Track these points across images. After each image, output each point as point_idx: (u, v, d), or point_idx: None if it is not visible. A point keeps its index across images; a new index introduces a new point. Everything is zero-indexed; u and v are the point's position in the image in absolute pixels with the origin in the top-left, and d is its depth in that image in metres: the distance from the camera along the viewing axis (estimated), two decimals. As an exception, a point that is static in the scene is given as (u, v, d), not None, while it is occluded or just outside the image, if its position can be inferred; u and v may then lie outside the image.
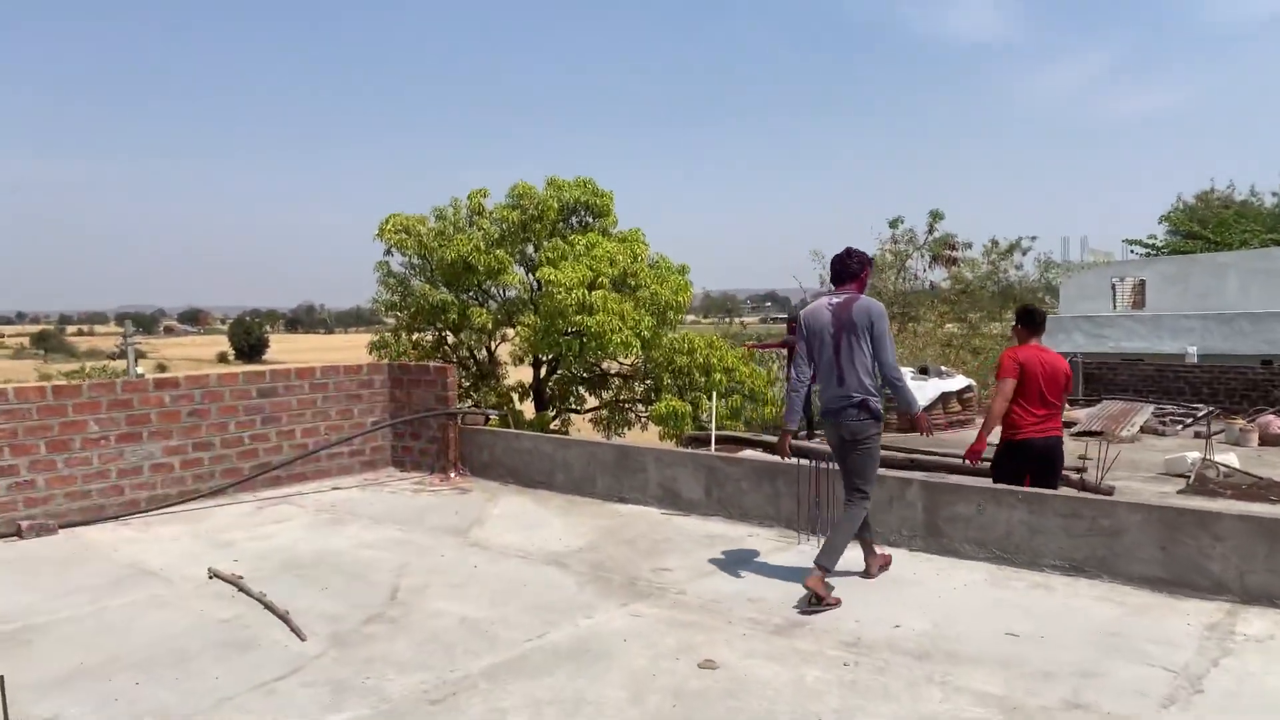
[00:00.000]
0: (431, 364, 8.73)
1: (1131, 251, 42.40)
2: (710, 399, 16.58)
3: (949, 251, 27.06)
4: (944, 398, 15.45)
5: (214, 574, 5.68)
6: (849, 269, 5.41)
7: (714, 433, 12.04)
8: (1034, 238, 33.09)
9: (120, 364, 34.10)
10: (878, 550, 5.70)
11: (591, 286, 16.27)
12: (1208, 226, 42.87)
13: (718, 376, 16.87)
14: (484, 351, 19.11)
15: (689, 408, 16.67)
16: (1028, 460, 6.23)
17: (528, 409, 18.52)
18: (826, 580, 5.03)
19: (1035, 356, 6.30)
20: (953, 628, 4.68)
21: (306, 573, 5.78)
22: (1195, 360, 25.25)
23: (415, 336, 18.82)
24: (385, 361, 12.28)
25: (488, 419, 9.10)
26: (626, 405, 18.69)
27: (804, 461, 6.53)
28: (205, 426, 7.82)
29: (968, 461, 6.66)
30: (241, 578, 5.56)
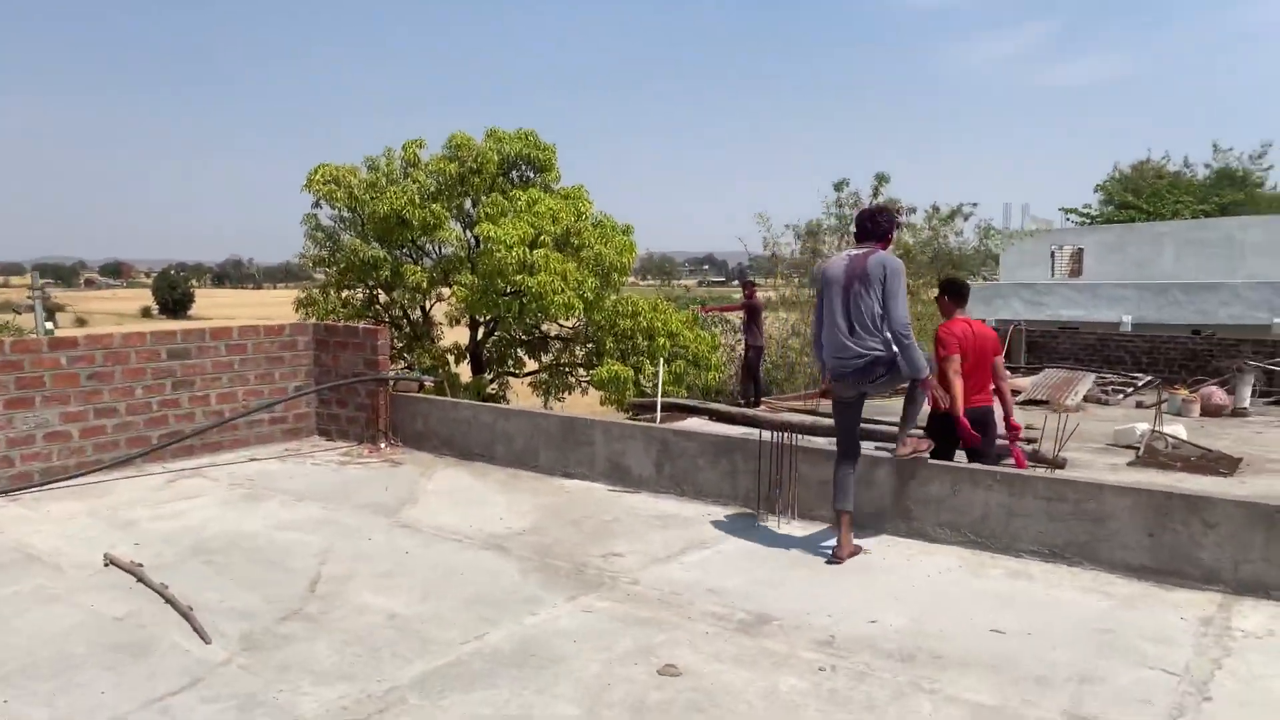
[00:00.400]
0: (361, 325, 8.09)
1: (1068, 220, 42.91)
2: (656, 364, 16.14)
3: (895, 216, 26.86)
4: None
5: (110, 561, 5.05)
6: (878, 226, 5.31)
7: (659, 400, 11.58)
8: (975, 204, 33.15)
9: (28, 319, 32.36)
10: (853, 540, 5.30)
11: (533, 245, 15.62)
12: (1142, 196, 43.60)
13: (662, 341, 16.41)
14: (418, 311, 18.35)
15: (631, 373, 16.20)
16: (960, 431, 6.28)
17: (464, 372, 17.86)
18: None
19: (966, 329, 6.44)
20: (933, 623, 4.29)
21: (216, 559, 5.17)
22: (1129, 329, 25.58)
23: (345, 294, 17.97)
24: (310, 321, 11.53)
25: (422, 385, 8.51)
26: (566, 369, 18.14)
27: (761, 434, 6.11)
28: (108, 391, 7.10)
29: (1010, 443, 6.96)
30: (141, 565, 4.94)
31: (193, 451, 7.59)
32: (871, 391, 5.33)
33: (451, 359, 17.79)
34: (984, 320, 28.19)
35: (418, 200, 16.57)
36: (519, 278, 15.24)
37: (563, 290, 15.27)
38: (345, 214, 17.85)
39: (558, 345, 18.31)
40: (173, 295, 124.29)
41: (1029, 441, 10.09)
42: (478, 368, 18.18)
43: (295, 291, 19.24)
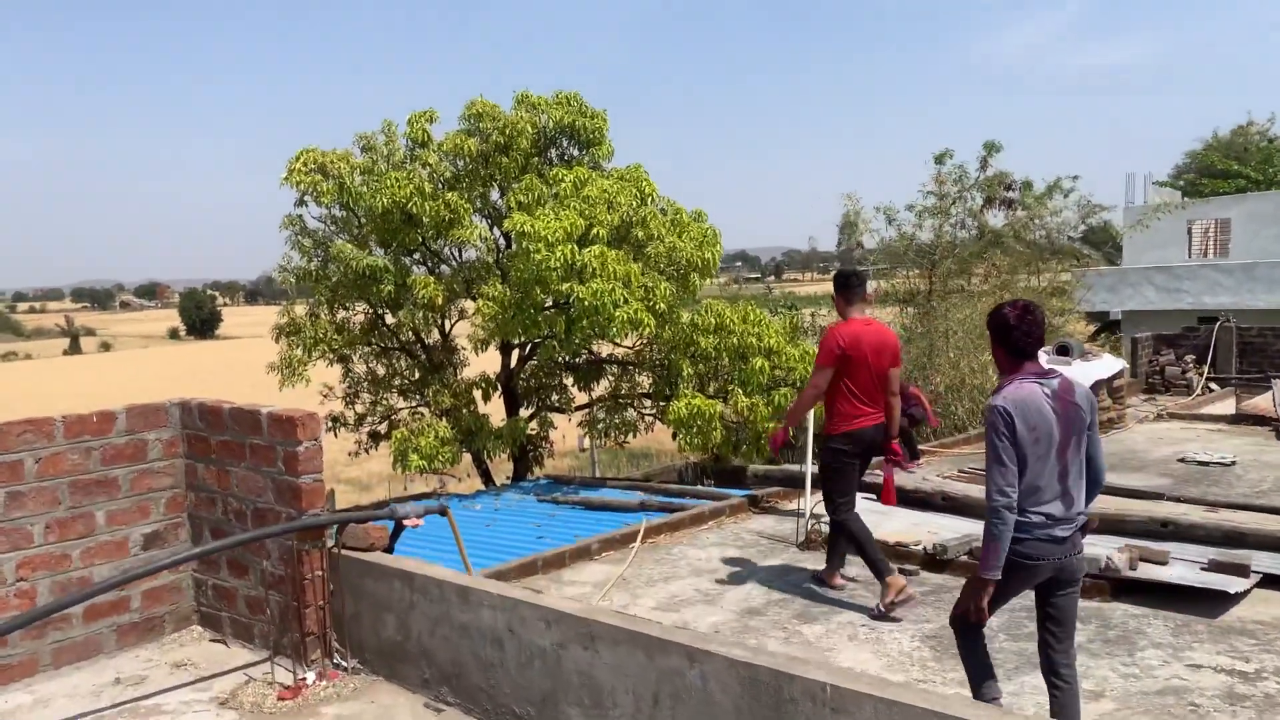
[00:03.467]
0: (265, 412, 3.81)
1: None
2: (750, 394, 11.86)
3: (1005, 192, 22.28)
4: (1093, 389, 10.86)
5: None
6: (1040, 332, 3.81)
7: (806, 471, 7.26)
8: (1076, 177, 28.51)
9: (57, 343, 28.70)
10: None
11: (582, 241, 11.38)
12: (1249, 165, 38.60)
13: (759, 363, 12.08)
14: (435, 334, 14.18)
15: (719, 406, 11.91)
16: (857, 453, 5.73)
17: (495, 409, 13.65)
18: None
19: (861, 333, 5.65)
20: None
21: None
22: (1294, 316, 20.88)
23: (341, 316, 13.86)
24: (171, 403, 7.29)
25: (396, 531, 4.21)
26: (626, 401, 13.86)
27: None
28: None
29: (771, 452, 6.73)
30: None
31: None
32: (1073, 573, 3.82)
33: (479, 394, 13.57)
34: (1109, 316, 23.17)
35: (428, 189, 12.40)
36: (566, 286, 11.02)
37: (626, 300, 11.03)
38: (336, 212, 13.75)
39: (615, 371, 14.04)
40: (199, 315, 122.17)
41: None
42: (512, 404, 13.97)
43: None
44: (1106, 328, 25.38)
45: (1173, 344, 14.18)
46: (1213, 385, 13.70)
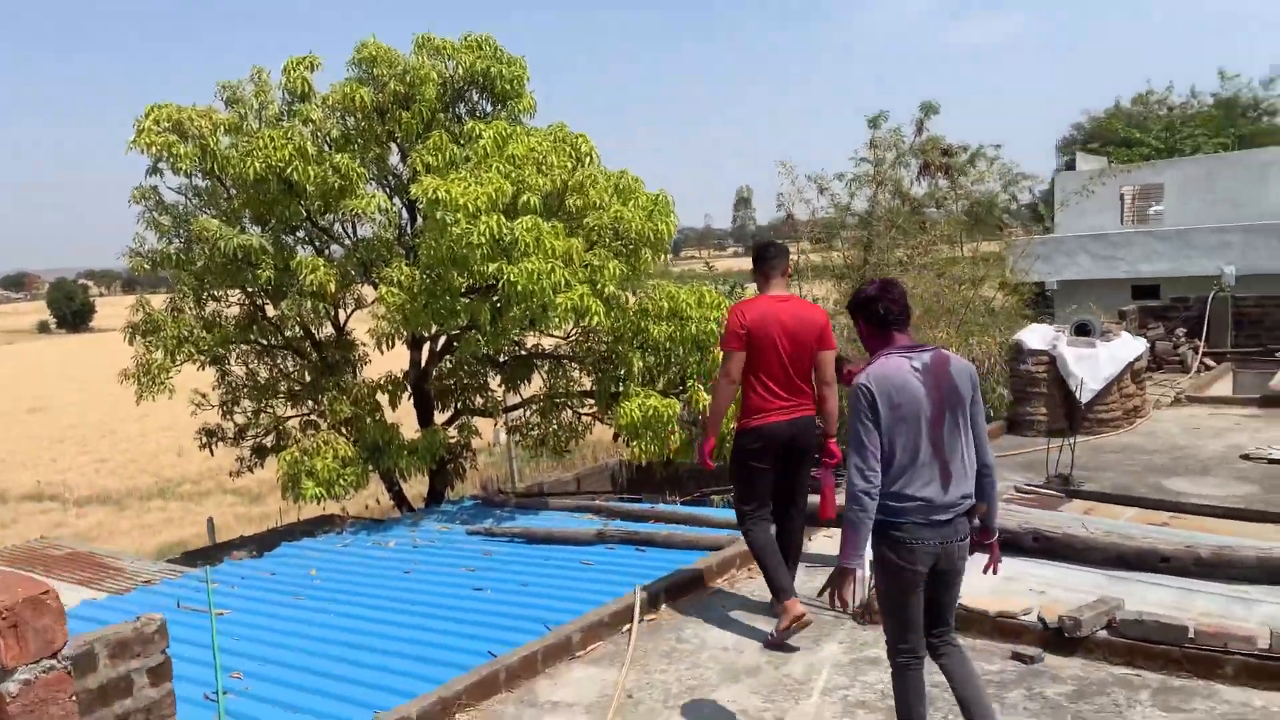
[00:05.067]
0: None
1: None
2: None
3: (943, 158, 20.91)
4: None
5: None
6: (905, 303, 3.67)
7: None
8: (998, 145, 27.54)
9: None
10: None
11: (510, 211, 9.28)
12: (1151, 133, 38.66)
13: (719, 355, 10.17)
14: (327, 327, 11.86)
15: (677, 407, 10.01)
16: (769, 453, 4.97)
17: (405, 415, 11.44)
18: None
19: (770, 311, 4.98)
20: None
21: None
22: (1232, 282, 20.17)
23: (210, 309, 11.44)
24: None
25: None
26: (563, 400, 11.80)
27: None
28: None
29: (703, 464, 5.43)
30: None
31: None
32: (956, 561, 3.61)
33: (384, 399, 11.32)
34: (1045, 289, 21.83)
35: (311, 151, 10.09)
36: (493, 267, 8.91)
37: (568, 283, 9.01)
38: (199, 182, 11.29)
39: (547, 367, 11.96)
40: (70, 307, 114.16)
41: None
42: (425, 409, 11.78)
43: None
44: (1039, 300, 24.41)
45: (1161, 317, 12.88)
46: (1208, 362, 12.44)
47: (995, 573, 3.73)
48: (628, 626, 5.00)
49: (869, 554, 3.63)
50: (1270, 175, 22.51)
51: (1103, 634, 4.35)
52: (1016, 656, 4.33)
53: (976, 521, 3.58)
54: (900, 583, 3.47)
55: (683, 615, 5.28)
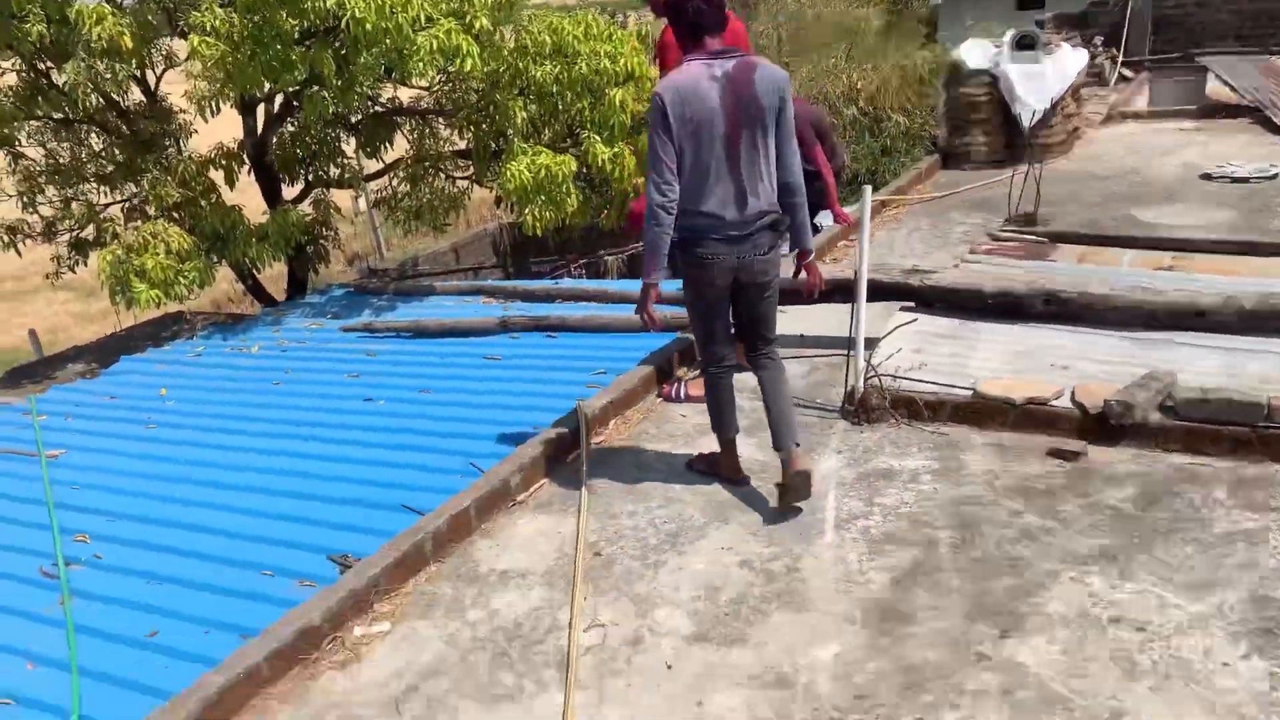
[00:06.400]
0: None
1: None
2: (615, 144, 8.77)
3: None
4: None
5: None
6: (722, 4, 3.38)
7: (860, 274, 4.45)
8: None
9: None
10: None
11: (344, -74, 7.32)
12: None
13: (618, 97, 8.78)
14: (135, 93, 9.76)
15: (573, 165, 8.71)
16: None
17: (248, 197, 9.72)
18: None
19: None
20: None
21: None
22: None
23: (-25, 80, 9.19)
24: None
25: None
26: (433, 165, 10.22)
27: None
28: None
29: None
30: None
31: None
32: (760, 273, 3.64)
33: (220, 176, 9.55)
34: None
35: None
36: (331, 1, 7.11)
37: (431, 19, 7.33)
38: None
39: (413, 125, 10.25)
40: None
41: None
42: (270, 186, 10.05)
43: None
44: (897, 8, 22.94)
45: (1078, 26, 11.88)
46: (1125, 72, 11.65)
47: (815, 295, 3.69)
48: (574, 455, 4.01)
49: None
50: None
51: (1156, 416, 3.61)
52: (1056, 454, 3.57)
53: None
54: (701, 295, 3.54)
55: (633, 430, 4.31)
